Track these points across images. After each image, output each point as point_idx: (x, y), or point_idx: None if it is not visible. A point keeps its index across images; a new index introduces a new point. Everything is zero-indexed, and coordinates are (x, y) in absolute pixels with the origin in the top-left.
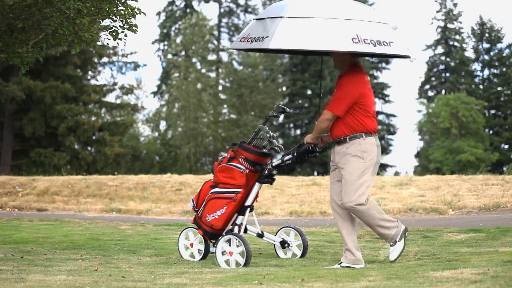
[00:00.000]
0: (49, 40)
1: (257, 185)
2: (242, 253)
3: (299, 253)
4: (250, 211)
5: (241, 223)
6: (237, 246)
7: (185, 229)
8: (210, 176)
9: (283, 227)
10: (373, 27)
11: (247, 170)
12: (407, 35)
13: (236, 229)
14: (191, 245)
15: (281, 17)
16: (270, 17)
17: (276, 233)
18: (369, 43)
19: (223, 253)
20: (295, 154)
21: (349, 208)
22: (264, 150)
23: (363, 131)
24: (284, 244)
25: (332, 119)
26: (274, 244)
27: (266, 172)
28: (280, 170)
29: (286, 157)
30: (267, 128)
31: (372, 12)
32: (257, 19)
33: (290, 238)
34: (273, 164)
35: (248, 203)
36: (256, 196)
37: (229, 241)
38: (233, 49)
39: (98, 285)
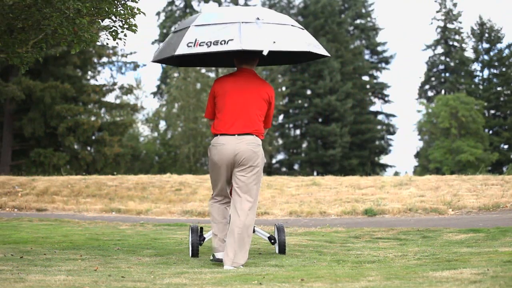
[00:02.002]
0: (49, 40)
1: None
2: (188, 244)
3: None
4: None
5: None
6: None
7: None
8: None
9: None
10: (218, 28)
11: None
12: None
13: None
14: None
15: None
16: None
17: None
18: (203, 45)
19: None
20: None
21: None
22: None
23: (214, 134)
24: (271, 239)
25: (207, 122)
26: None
27: None
28: None
29: None
30: None
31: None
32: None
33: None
34: None
35: None
36: None
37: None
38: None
39: (98, 285)
